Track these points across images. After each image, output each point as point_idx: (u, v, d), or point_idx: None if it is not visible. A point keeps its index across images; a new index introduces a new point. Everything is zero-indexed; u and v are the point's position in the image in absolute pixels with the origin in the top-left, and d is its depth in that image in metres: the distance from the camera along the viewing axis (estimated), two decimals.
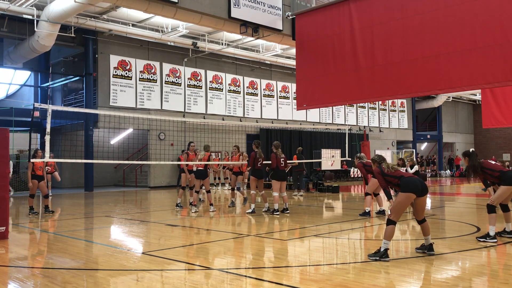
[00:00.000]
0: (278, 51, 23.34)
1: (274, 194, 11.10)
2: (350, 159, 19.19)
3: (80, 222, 10.59)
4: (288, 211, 11.07)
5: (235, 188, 12.87)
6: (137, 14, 18.25)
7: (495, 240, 6.92)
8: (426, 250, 6.16)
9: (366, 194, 10.70)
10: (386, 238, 5.89)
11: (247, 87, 25.54)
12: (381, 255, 5.83)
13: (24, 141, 18.35)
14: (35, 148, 12.47)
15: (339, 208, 13.36)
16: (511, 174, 7.19)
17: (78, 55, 21.62)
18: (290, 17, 14.75)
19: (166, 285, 4.99)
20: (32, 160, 10.84)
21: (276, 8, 16.34)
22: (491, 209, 7.13)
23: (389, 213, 6.16)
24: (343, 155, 24.15)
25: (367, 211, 10.46)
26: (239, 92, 25.11)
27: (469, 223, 9.00)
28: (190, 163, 11.74)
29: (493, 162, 7.46)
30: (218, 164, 18.63)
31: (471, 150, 7.44)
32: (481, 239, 7.01)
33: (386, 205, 11.16)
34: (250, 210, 11.19)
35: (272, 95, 26.67)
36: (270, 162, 11.56)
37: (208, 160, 11.26)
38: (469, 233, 7.78)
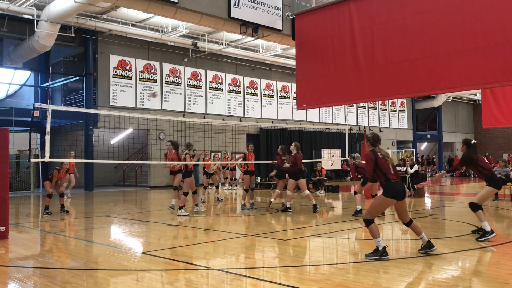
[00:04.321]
0: (278, 51, 23.34)
1: (288, 193, 11.21)
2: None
3: (80, 222, 10.59)
4: (290, 210, 11.15)
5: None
6: (137, 14, 18.25)
7: (494, 234, 6.97)
8: (427, 248, 6.08)
9: (355, 193, 10.77)
10: (376, 237, 5.85)
11: (247, 87, 25.54)
12: (381, 253, 5.80)
13: (24, 141, 18.35)
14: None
15: (339, 208, 13.36)
16: (499, 179, 7.38)
17: (78, 55, 21.62)
18: (290, 17, 14.75)
19: (166, 285, 4.99)
20: (69, 160, 11.89)
21: (276, 8, 16.33)
22: (475, 207, 7.14)
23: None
24: (343, 155, 24.17)
25: (358, 209, 10.42)
26: (239, 92, 25.11)
27: (469, 223, 8.99)
28: (173, 162, 11.37)
29: (486, 161, 7.53)
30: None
31: (472, 141, 7.41)
32: (481, 239, 6.99)
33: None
34: (288, 205, 11.24)
35: (272, 95, 26.66)
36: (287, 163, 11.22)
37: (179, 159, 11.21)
38: (469, 233, 7.78)
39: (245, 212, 11.51)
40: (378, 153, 6.07)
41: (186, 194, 10.97)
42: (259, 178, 22.13)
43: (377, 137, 6.29)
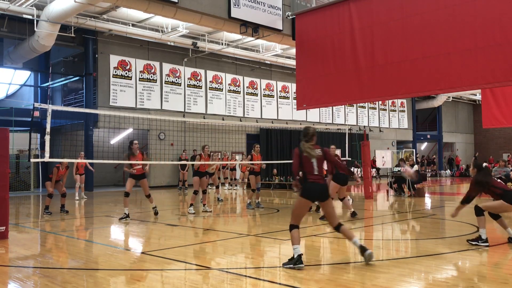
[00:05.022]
0: (278, 51, 23.33)
1: (347, 199, 10.38)
2: (350, 159, 19.18)
3: (80, 222, 10.59)
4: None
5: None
6: (137, 14, 18.24)
7: (487, 244, 6.61)
8: (361, 254, 5.53)
9: (341, 199, 9.97)
10: (294, 244, 5.42)
11: (247, 87, 25.53)
12: (294, 262, 5.36)
13: (24, 141, 18.34)
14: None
15: (339, 208, 13.35)
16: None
17: (78, 55, 21.62)
18: (290, 17, 14.76)
19: (166, 285, 4.99)
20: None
21: (276, 8, 16.33)
22: (479, 211, 6.74)
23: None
24: (343, 155, 24.13)
25: (352, 211, 9.84)
26: (239, 92, 25.11)
27: (469, 223, 8.99)
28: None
29: (498, 180, 7.16)
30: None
31: (484, 164, 7.02)
32: (473, 242, 6.70)
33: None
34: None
35: (272, 95, 26.66)
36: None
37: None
38: (469, 233, 7.78)
39: (250, 211, 11.56)
40: (304, 150, 5.69)
41: (196, 192, 11.33)
42: None
43: (306, 131, 5.82)
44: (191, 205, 11.26)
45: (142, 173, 10.25)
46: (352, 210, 10.05)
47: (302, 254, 5.44)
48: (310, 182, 5.58)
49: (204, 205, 11.63)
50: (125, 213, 10.09)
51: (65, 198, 11.91)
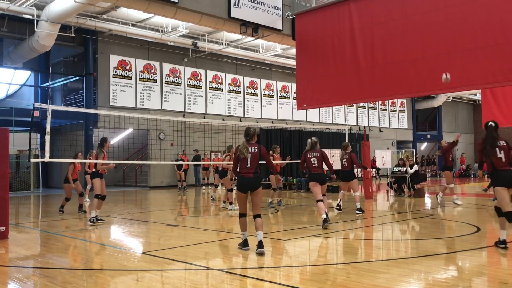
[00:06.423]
0: (278, 51, 23.34)
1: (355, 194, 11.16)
2: None
3: (80, 222, 10.58)
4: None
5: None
6: (137, 14, 18.25)
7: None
8: (257, 246, 6.31)
9: (318, 200, 8.67)
10: (241, 230, 6.48)
11: (247, 87, 25.53)
12: (242, 245, 6.45)
13: (24, 141, 18.33)
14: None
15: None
16: (504, 174, 6.28)
17: (78, 55, 21.62)
18: (290, 17, 14.76)
19: (166, 285, 4.99)
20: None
21: (276, 8, 16.34)
22: (510, 216, 6.16)
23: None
24: None
25: (323, 218, 8.48)
26: (239, 92, 25.11)
27: (469, 223, 9.00)
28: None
29: (499, 156, 6.30)
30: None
31: (489, 123, 6.47)
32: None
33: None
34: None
35: (272, 95, 26.66)
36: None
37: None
38: (469, 233, 7.78)
39: (271, 210, 11.83)
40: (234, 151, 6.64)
41: (231, 190, 11.99)
42: None
43: (247, 132, 6.91)
44: (231, 203, 11.80)
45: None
46: (324, 217, 8.59)
47: (247, 238, 6.41)
48: (241, 176, 6.45)
49: (224, 201, 12.25)
50: (96, 216, 9.61)
51: (83, 198, 12.00)
